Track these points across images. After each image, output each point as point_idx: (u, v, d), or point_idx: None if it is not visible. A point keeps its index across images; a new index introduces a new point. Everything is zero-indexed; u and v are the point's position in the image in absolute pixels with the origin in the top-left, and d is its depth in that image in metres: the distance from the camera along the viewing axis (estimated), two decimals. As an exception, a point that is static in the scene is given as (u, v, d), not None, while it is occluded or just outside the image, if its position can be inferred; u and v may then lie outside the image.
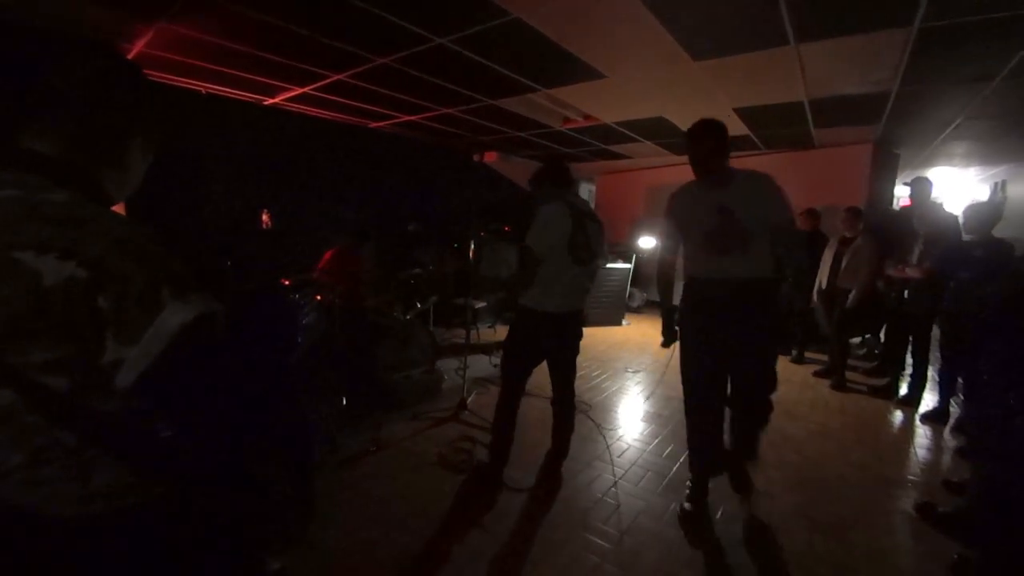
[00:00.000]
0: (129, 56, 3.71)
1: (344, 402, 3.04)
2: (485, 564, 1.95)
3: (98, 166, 0.77)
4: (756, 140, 5.77)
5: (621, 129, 5.56)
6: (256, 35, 3.27)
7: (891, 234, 4.21)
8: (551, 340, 2.44)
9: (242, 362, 1.08)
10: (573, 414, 2.66)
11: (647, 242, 6.60)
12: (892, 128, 4.95)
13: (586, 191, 9.75)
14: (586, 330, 6.66)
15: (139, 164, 0.86)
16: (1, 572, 0.73)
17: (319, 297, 2.71)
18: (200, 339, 0.74)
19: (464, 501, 2.35)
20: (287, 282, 2.65)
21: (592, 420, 3.39)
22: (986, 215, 3.08)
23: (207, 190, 4.27)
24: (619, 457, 2.88)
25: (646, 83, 3.94)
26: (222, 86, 4.57)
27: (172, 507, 0.82)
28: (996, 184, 7.24)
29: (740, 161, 6.79)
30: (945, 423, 3.52)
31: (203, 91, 4.60)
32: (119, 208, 0.83)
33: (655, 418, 3.46)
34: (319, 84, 4.33)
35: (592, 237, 2.36)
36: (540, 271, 2.28)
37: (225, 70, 4.05)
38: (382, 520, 2.18)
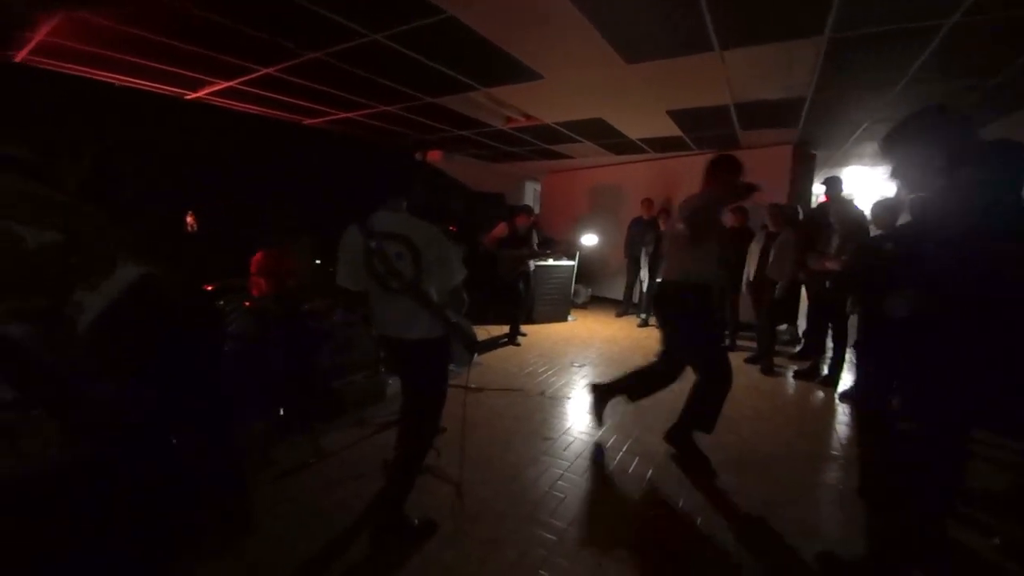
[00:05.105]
0: (31, 45, 3.38)
1: (281, 413, 2.89)
2: (434, 567, 1.92)
3: (60, 167, 1.04)
4: (688, 141, 6.04)
5: (562, 129, 5.65)
6: (173, 24, 3.06)
7: (811, 228, 4.54)
8: (396, 365, 2.25)
9: (173, 335, 1.27)
10: (404, 467, 2.09)
11: (590, 239, 6.75)
12: (809, 130, 5.33)
13: (532, 190, 9.84)
14: (533, 327, 6.63)
15: (84, 164, 1.15)
16: None
17: (248, 304, 2.56)
18: (143, 293, 1.00)
19: (411, 507, 2.30)
20: (209, 288, 2.49)
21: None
22: (891, 209, 3.38)
23: (123, 190, 3.95)
24: (565, 451, 2.93)
25: (582, 85, 4.03)
26: (139, 79, 4.24)
27: (97, 470, 0.97)
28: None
29: (675, 161, 7.11)
30: (860, 401, 3.83)
31: (116, 83, 4.25)
32: None
33: (600, 411, 3.53)
34: (246, 78, 4.12)
35: (398, 259, 1.89)
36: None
37: (142, 61, 3.76)
38: (324, 532, 2.10)
